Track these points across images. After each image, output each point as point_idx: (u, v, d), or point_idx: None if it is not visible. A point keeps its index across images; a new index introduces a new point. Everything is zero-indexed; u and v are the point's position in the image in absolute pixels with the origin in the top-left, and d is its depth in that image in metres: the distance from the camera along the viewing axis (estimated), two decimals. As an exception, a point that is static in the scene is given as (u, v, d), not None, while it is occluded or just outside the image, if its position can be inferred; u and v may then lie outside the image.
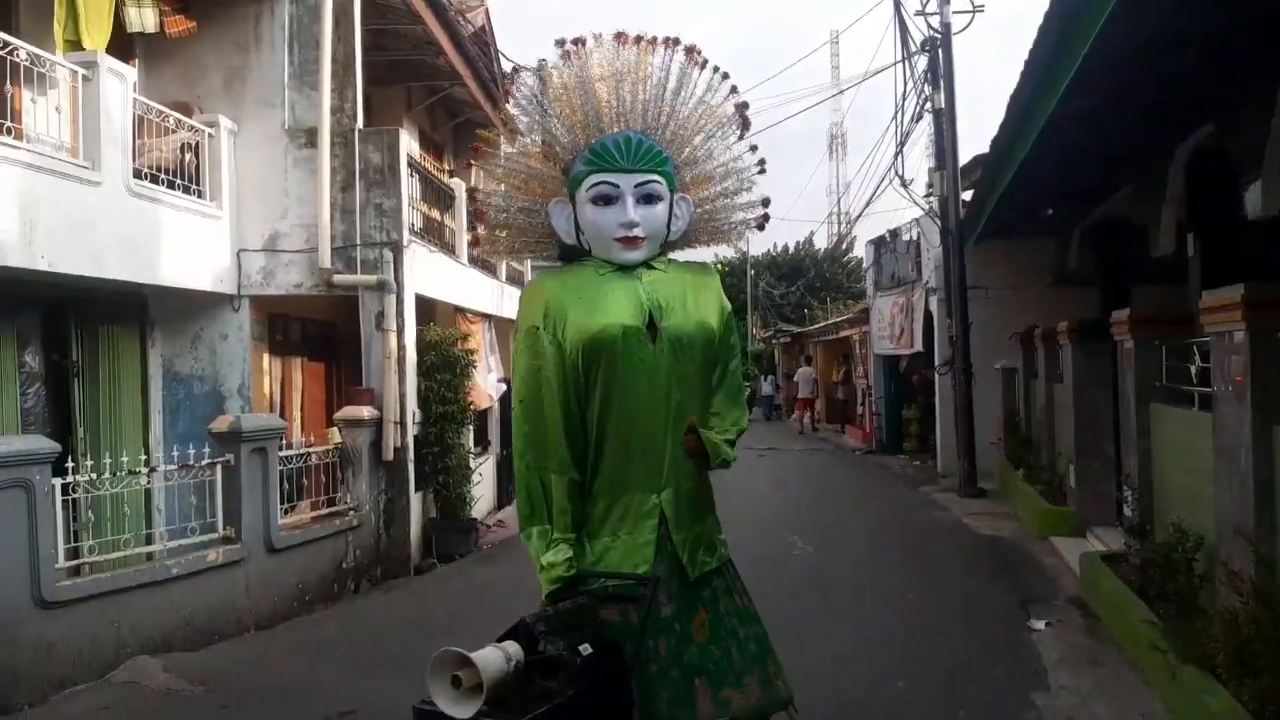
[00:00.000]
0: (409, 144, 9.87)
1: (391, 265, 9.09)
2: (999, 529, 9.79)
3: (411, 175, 9.59)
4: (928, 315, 15.44)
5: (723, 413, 2.91)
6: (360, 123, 9.32)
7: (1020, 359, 12.19)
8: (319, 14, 9.04)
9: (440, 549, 9.49)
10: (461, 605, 7.37)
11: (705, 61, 2.97)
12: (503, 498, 12.97)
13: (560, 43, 2.97)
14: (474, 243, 3.51)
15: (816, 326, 29.34)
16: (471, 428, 10.91)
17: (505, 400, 12.85)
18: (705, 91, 2.98)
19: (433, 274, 10.01)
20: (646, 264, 2.88)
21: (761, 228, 3.16)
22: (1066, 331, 8.91)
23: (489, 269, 12.82)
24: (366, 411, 8.76)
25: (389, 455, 8.86)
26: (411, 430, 9.19)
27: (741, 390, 3.02)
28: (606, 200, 2.79)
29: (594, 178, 2.78)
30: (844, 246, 40.63)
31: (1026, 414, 11.91)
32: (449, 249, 10.97)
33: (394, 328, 9.03)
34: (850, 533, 10.02)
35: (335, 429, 8.78)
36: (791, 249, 49.16)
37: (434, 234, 10.43)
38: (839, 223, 45.96)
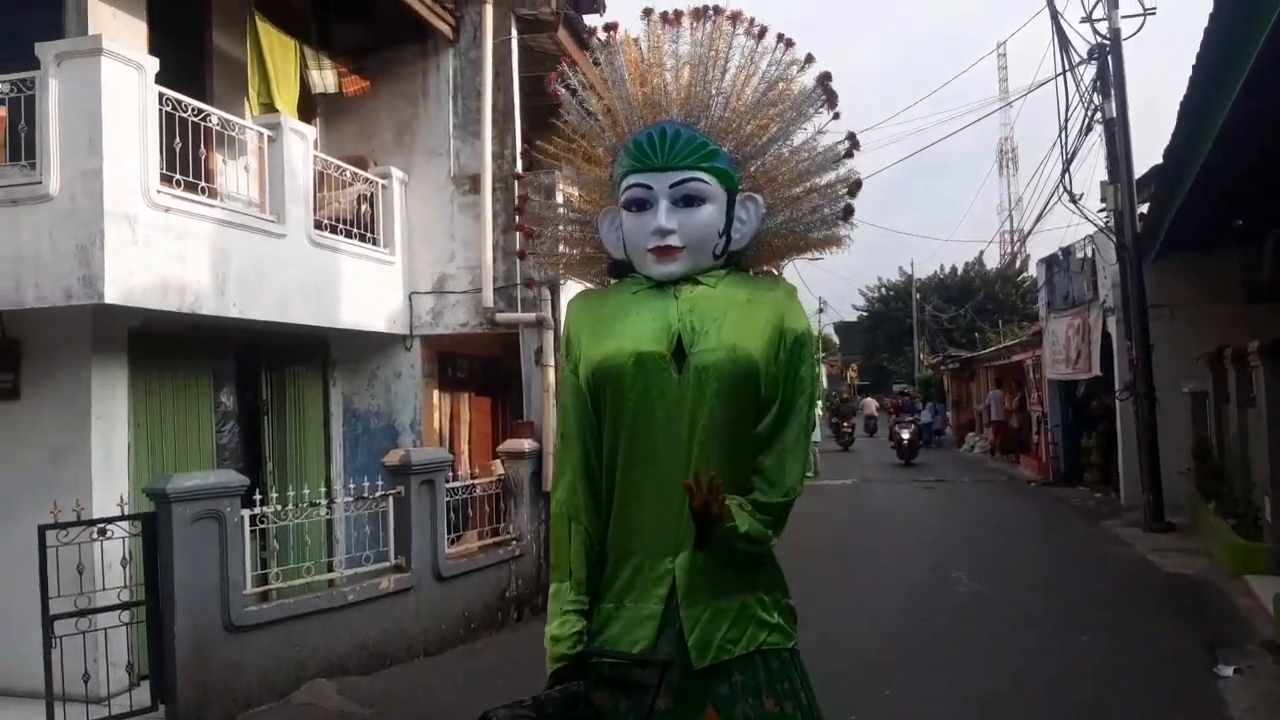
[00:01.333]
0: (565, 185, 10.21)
1: (549, 302, 9.41)
2: (1187, 566, 9.13)
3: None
4: (1105, 337, 14.61)
5: (766, 473, 2.26)
6: (519, 167, 9.73)
7: (1210, 382, 11.37)
8: (479, 66, 9.53)
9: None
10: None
11: (762, 30, 2.44)
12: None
13: (605, 28, 2.51)
14: (520, 255, 3.46)
15: (987, 351, 28.23)
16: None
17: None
18: (768, 66, 2.44)
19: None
20: (693, 279, 2.33)
21: (846, 217, 2.53)
22: (1259, 352, 8.27)
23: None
24: (527, 444, 9.06)
25: (548, 487, 9.10)
26: (571, 462, 9.41)
27: (801, 445, 2.34)
28: (639, 205, 2.30)
29: (628, 180, 2.32)
30: (1016, 265, 39.00)
31: (1218, 442, 11.08)
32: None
33: (552, 362, 9.31)
34: (1022, 569, 9.57)
35: (499, 461, 9.13)
36: (960, 270, 47.45)
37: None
38: (1011, 241, 44.26)
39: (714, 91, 2.37)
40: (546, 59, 10.39)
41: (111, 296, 5.76)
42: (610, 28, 2.51)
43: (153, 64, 6.21)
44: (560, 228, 2.66)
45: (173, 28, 7.73)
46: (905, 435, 23.25)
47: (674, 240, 2.27)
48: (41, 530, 5.16)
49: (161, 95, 6.27)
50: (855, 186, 2.53)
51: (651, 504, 2.23)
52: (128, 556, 5.53)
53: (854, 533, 12.29)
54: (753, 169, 2.41)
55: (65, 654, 5.13)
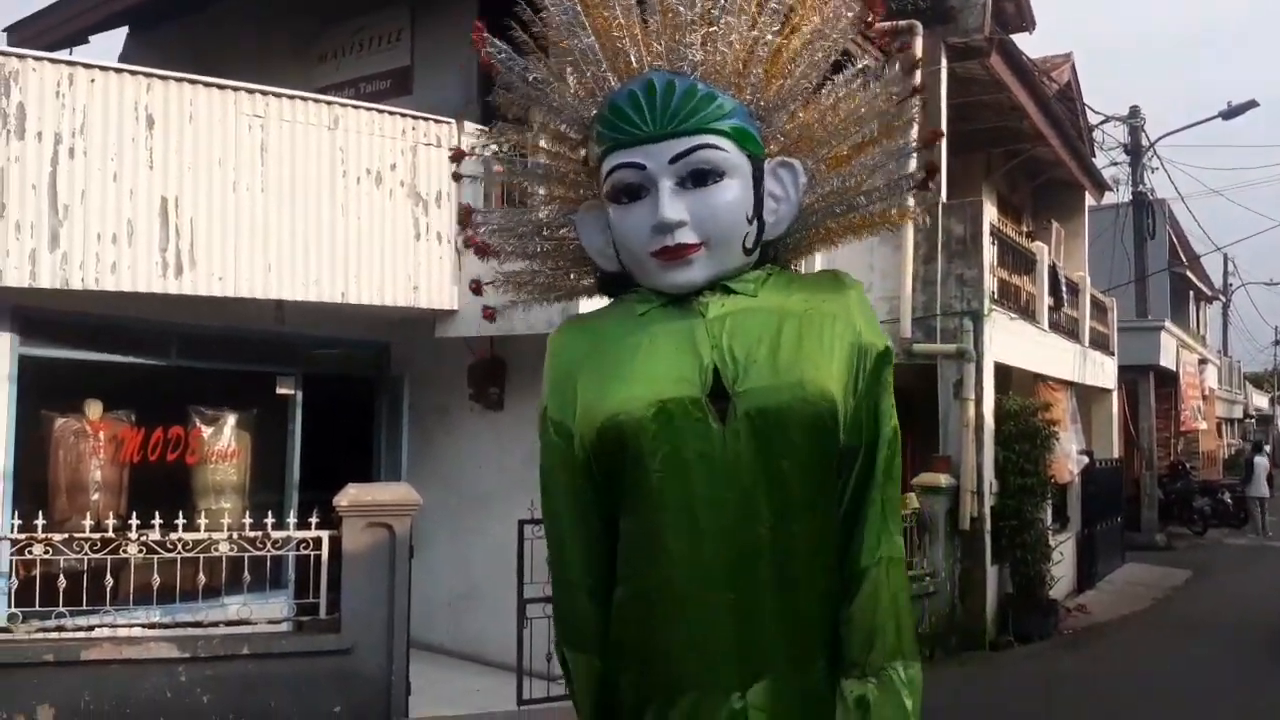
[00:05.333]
0: (990, 213, 9.87)
1: (971, 334, 9.14)
2: None
3: (992, 243, 9.58)
4: None
5: (861, 552, 1.61)
6: (944, 195, 9.56)
7: None
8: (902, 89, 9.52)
9: (1017, 628, 9.16)
10: (1039, 694, 7.05)
11: None
12: (1083, 580, 12.09)
13: None
14: (475, 290, 2.07)
15: None
16: (1051, 502, 10.40)
17: (1087, 475, 12.07)
18: None
19: (1012, 341, 9.83)
20: (719, 287, 1.66)
21: (924, 185, 1.84)
22: None
23: (1071, 334, 12.19)
24: (944, 479, 8.85)
25: (965, 524, 8.83)
26: (989, 501, 9.07)
27: (898, 509, 1.70)
28: (631, 193, 1.62)
29: (610, 160, 1.63)
30: None
31: None
32: (1029, 314, 10.68)
33: (972, 396, 9.03)
34: None
35: (912, 494, 9.01)
36: None
37: (1012, 299, 10.25)
38: None
39: (706, 18, 1.64)
40: (975, 84, 10.15)
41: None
42: None
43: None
44: (527, 241, 1.94)
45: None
46: None
47: (686, 235, 1.61)
48: (520, 524, 5.96)
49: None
50: (932, 137, 1.85)
51: (697, 618, 1.56)
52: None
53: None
54: (780, 124, 1.72)
55: (534, 634, 5.87)
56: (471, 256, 7.29)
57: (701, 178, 1.60)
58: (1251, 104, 18.50)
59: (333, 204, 6.54)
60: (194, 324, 6.83)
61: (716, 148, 1.60)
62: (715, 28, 1.63)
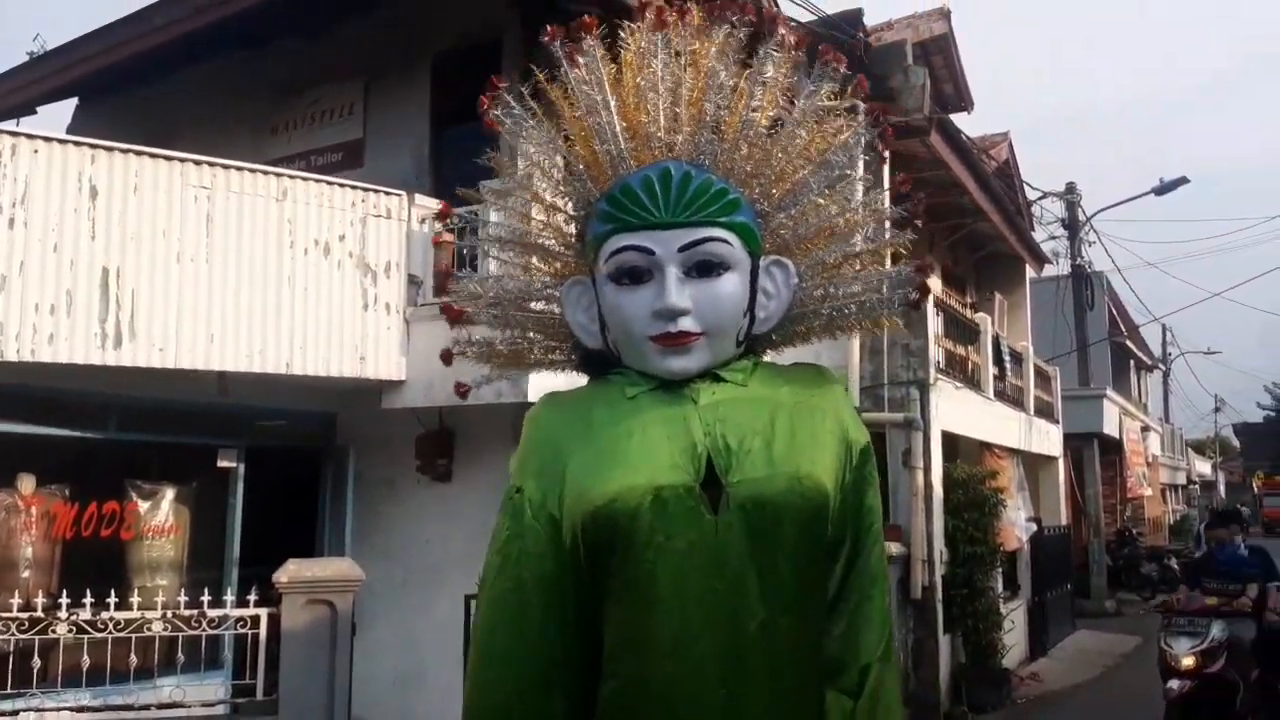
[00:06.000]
0: (935, 285, 10.10)
1: (918, 402, 9.26)
2: None
3: (937, 314, 9.77)
4: None
5: (845, 654, 1.64)
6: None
7: None
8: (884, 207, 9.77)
9: (971, 698, 9.12)
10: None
11: (795, 43, 1.76)
12: (1034, 648, 12.11)
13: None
14: (446, 359, 2.03)
15: None
16: (1001, 570, 10.46)
17: (1035, 542, 12.18)
18: (806, 91, 1.77)
19: (958, 410, 9.97)
20: (710, 375, 1.67)
21: (916, 305, 1.86)
22: None
23: (1016, 403, 12.41)
24: (894, 547, 8.86)
25: (916, 594, 8.83)
26: (939, 569, 9.09)
27: (887, 613, 1.70)
28: (634, 276, 1.64)
29: (615, 241, 1.64)
30: None
31: None
32: (974, 384, 10.86)
33: (920, 464, 9.11)
34: None
35: (863, 563, 9.01)
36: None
37: (958, 369, 10.43)
38: None
39: (740, 121, 1.70)
40: (916, 161, 10.45)
41: (533, 395, 6.51)
42: (581, 26, 1.74)
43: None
44: (505, 309, 1.91)
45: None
46: (1183, 660, 6.36)
47: (689, 324, 1.61)
48: (468, 600, 5.85)
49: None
50: (923, 270, 1.83)
51: (688, 712, 1.52)
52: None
53: None
54: (777, 225, 1.76)
55: (481, 714, 5.72)
56: (420, 328, 7.25)
57: (707, 269, 1.62)
58: (1182, 180, 19.24)
59: (279, 275, 6.50)
60: (134, 396, 6.70)
61: (724, 241, 1.63)
62: (737, 131, 1.69)
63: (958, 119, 11.38)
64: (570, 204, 1.80)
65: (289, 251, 6.56)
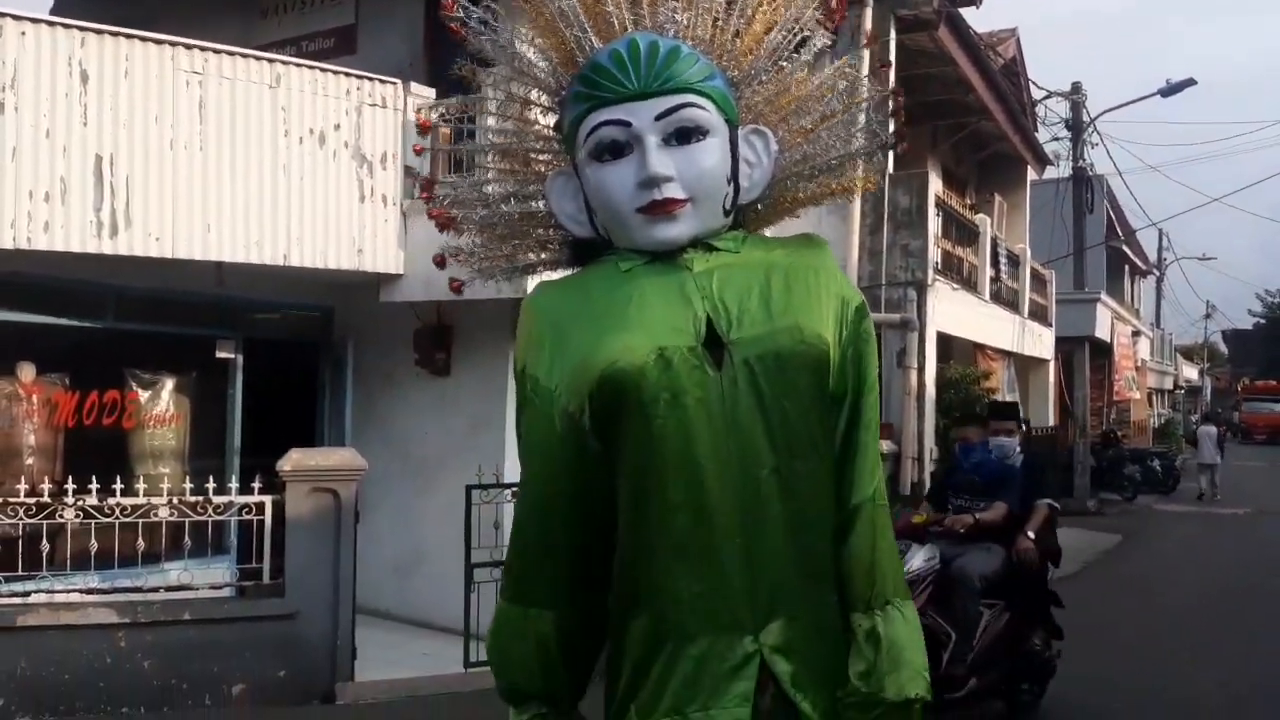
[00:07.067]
0: (936, 185, 10.01)
1: (915, 303, 9.29)
2: None
3: (937, 215, 9.72)
4: None
5: (853, 490, 1.69)
6: (890, 167, 9.66)
7: None
8: (857, 68, 9.58)
9: (953, 589, 9.40)
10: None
11: None
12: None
13: None
14: (440, 263, 2.00)
15: None
16: (989, 468, 10.67)
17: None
18: None
19: (954, 311, 10.02)
20: (701, 244, 1.67)
21: (888, 149, 1.90)
22: None
23: (1011, 305, 12.45)
24: (885, 445, 9.02)
25: (905, 490, 9.02)
26: (929, 467, 9.27)
27: (879, 457, 1.77)
28: (614, 151, 1.63)
29: (591, 119, 1.63)
30: None
31: None
32: (971, 285, 10.89)
33: (915, 364, 9.20)
34: None
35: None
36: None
37: (955, 270, 10.44)
38: None
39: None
40: (922, 56, 10.23)
41: (531, 289, 6.48)
42: None
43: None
44: (489, 213, 1.92)
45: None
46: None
47: (674, 190, 1.61)
48: (469, 489, 5.96)
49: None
50: (896, 95, 1.90)
51: (707, 565, 1.56)
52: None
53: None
54: (750, 95, 1.76)
55: (482, 598, 5.89)
56: (418, 221, 7.18)
57: (685, 135, 1.61)
58: (1189, 82, 18.89)
59: (274, 164, 6.40)
60: (131, 285, 6.68)
61: (700, 107, 1.62)
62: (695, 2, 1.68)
63: (966, 14, 11.08)
64: (544, 97, 1.80)
65: (284, 140, 6.45)
